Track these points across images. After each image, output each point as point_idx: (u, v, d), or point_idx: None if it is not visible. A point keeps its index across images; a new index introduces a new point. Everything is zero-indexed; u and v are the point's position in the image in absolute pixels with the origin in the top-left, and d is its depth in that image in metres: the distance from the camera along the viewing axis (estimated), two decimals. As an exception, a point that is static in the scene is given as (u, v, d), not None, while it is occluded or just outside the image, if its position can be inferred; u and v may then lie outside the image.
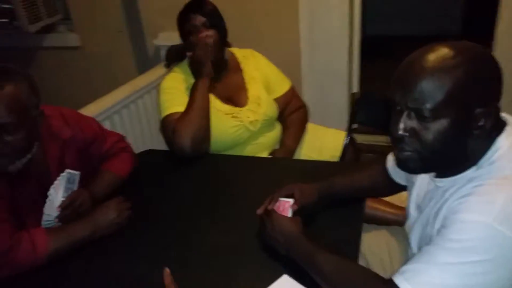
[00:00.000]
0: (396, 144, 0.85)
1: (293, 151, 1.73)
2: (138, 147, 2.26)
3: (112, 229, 1.19)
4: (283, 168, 1.53)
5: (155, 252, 1.14)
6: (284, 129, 1.79)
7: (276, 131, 1.76)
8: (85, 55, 3.02)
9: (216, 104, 1.63)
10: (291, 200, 1.12)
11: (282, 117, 1.82)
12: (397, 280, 0.79)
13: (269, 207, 1.12)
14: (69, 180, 1.22)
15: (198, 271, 1.06)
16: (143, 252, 1.14)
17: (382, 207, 1.40)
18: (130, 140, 2.19)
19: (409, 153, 0.83)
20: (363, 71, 2.70)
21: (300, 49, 2.54)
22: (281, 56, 2.51)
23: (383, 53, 3.89)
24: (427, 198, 0.95)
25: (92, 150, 1.34)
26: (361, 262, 1.22)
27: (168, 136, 1.55)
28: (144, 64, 2.87)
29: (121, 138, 1.47)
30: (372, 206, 1.40)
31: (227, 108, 1.64)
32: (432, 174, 0.93)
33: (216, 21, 1.61)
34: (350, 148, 1.79)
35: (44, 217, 1.18)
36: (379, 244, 1.24)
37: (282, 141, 1.76)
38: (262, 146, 1.71)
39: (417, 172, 0.94)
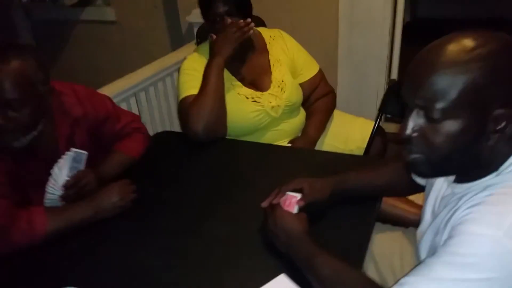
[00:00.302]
0: (405, 145, 0.78)
1: (315, 141, 1.66)
2: (164, 126, 2.30)
3: (114, 212, 1.19)
4: (301, 158, 1.47)
5: (156, 238, 1.13)
6: (308, 116, 1.73)
7: (299, 118, 1.70)
8: (120, 30, 3.06)
9: (237, 87, 1.59)
10: (298, 195, 1.07)
11: (307, 103, 1.75)
12: None
13: (275, 201, 1.08)
14: (75, 160, 1.23)
15: (197, 261, 1.05)
16: (144, 237, 1.14)
17: (402, 205, 1.33)
18: (156, 119, 2.24)
19: (417, 155, 0.77)
20: (407, 56, 2.55)
21: (339, 29, 2.44)
22: (317, 36, 2.44)
23: (435, 38, 3.67)
24: (442, 204, 0.87)
25: (104, 129, 1.35)
26: (371, 264, 1.17)
27: (183, 120, 1.54)
28: (178, 40, 2.88)
29: (136, 119, 1.47)
30: (391, 203, 1.33)
31: (248, 91, 1.59)
32: (451, 177, 0.85)
33: (241, 7, 1.54)
34: (378, 139, 1.71)
35: (47, 196, 1.20)
36: (392, 247, 1.18)
37: (304, 129, 1.69)
38: (284, 133, 1.66)
39: (427, 176, 0.87)
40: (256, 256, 1.05)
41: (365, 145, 1.69)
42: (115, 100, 1.92)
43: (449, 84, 0.68)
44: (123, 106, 2.00)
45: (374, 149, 1.69)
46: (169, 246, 1.10)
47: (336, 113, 1.82)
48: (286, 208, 1.05)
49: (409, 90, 0.73)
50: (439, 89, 0.69)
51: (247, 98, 1.58)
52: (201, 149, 1.49)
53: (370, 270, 1.17)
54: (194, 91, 1.51)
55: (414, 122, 0.74)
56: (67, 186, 1.21)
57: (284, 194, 1.09)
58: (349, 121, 1.82)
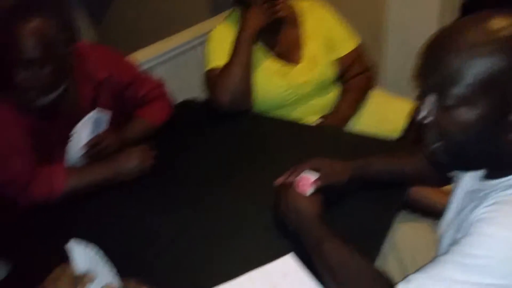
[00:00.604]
0: (421, 133, 0.73)
1: (346, 119, 1.60)
2: (200, 93, 2.28)
3: (132, 176, 1.21)
4: (329, 138, 1.41)
5: (168, 205, 1.14)
6: (342, 93, 1.66)
7: (331, 95, 1.64)
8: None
9: (265, 60, 1.54)
10: (314, 176, 1.03)
11: (342, 79, 1.68)
12: None
13: (288, 180, 1.05)
14: (98, 120, 1.25)
15: (206, 232, 1.05)
16: (156, 203, 1.15)
17: (434, 195, 1.25)
18: (191, 85, 2.22)
19: (434, 145, 0.71)
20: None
21: (387, 2, 2.31)
22: (363, 9, 2.32)
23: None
24: (467, 200, 0.81)
25: (128, 94, 1.36)
26: (392, 255, 1.12)
27: (209, 90, 1.52)
28: (218, 7, 2.84)
29: (160, 85, 1.46)
30: (422, 191, 1.26)
31: (277, 65, 1.55)
32: (479, 173, 0.79)
33: None
34: (417, 122, 1.61)
35: (68, 155, 1.23)
36: (416, 238, 1.13)
37: (336, 107, 1.63)
38: (313, 109, 1.60)
39: (448, 169, 0.81)
40: (266, 233, 1.03)
41: (400, 128, 1.61)
42: (150, 64, 1.93)
43: (465, 67, 0.62)
44: (159, 70, 2.00)
45: (411, 132, 1.60)
46: (180, 214, 1.11)
47: (375, 91, 1.73)
48: (300, 188, 1.01)
49: (424, 71, 0.68)
50: (454, 72, 0.63)
51: (276, 72, 1.54)
52: (225, 121, 1.48)
53: (390, 261, 1.13)
54: (221, 61, 1.49)
55: (427, 107, 0.69)
56: (88, 146, 1.23)
57: (299, 173, 1.05)
58: (388, 101, 1.73)
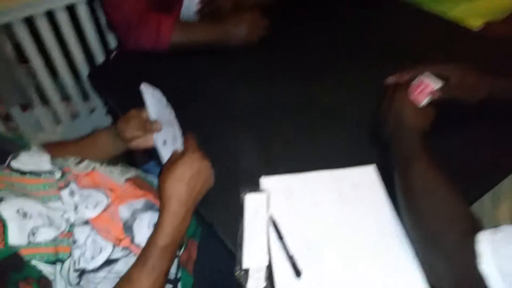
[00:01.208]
0: None
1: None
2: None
3: (238, 44, 1.16)
4: (492, 50, 1.13)
5: (264, 79, 1.10)
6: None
7: (512, -2, 1.31)
8: None
9: None
10: (437, 84, 0.85)
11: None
12: (481, 236, 0.58)
13: (403, 80, 0.88)
14: None
15: (294, 115, 1.00)
16: (252, 74, 1.11)
17: None
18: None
19: None
20: None
21: None
22: None
23: None
24: None
25: None
26: (507, 204, 0.93)
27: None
28: None
29: None
30: None
31: None
32: None
33: None
34: None
35: (183, 8, 1.23)
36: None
37: (514, 12, 1.31)
38: (480, 11, 1.32)
39: None
40: (358, 136, 0.93)
41: None
42: None
43: None
44: None
45: None
46: (273, 89, 1.06)
47: None
48: (414, 95, 0.84)
49: None
50: None
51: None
52: (366, 4, 1.31)
53: (503, 210, 0.95)
54: None
55: None
56: (202, 3, 1.21)
57: (420, 75, 0.87)
58: None
